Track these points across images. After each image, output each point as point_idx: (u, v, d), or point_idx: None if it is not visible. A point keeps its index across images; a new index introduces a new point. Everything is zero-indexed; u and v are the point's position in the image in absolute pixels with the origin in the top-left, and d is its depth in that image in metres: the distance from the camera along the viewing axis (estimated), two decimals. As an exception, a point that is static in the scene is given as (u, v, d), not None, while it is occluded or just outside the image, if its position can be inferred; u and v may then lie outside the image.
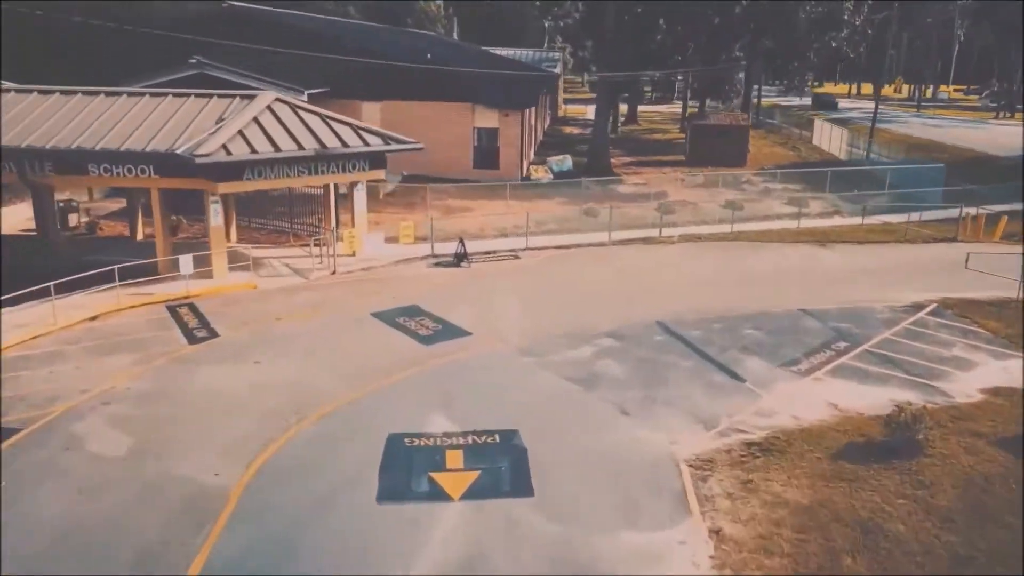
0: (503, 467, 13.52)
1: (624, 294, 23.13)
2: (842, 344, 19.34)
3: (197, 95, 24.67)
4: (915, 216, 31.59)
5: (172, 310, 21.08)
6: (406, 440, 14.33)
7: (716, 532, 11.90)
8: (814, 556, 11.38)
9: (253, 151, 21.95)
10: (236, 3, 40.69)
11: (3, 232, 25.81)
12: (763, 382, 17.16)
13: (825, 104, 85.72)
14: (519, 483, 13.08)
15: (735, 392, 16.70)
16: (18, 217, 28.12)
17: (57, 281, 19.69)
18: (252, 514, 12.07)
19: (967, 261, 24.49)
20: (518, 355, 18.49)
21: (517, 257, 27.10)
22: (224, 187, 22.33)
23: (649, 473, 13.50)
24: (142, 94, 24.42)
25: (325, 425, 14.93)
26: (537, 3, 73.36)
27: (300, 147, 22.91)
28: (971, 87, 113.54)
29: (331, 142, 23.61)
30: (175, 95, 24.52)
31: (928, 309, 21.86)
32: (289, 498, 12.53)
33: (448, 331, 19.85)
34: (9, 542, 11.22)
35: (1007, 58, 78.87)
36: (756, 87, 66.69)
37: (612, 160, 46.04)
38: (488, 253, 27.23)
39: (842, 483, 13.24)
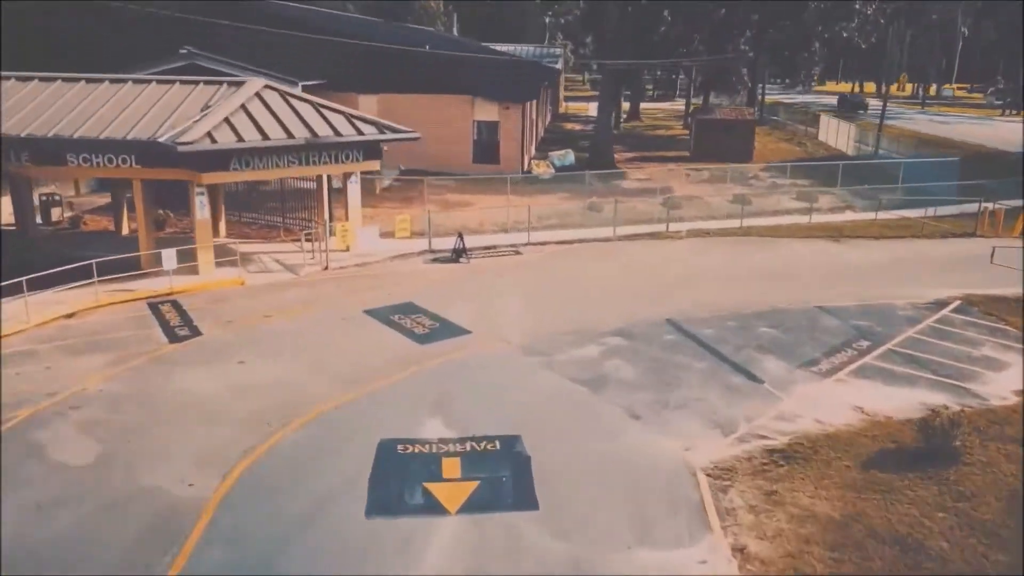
0: (504, 477, 12.38)
1: (631, 291, 21.99)
2: (864, 343, 18.21)
3: (183, 82, 23.53)
4: (930, 211, 30.48)
5: (154, 307, 19.94)
6: (399, 447, 13.18)
7: (740, 550, 10.76)
8: (851, 578, 10.25)
9: (240, 139, 20.79)
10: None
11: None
12: (782, 383, 16.03)
13: (853, 105, 77.13)
14: (522, 495, 11.93)
15: (753, 394, 15.57)
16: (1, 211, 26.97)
17: (30, 276, 18.54)
18: (227, 531, 10.92)
19: (992, 255, 23.36)
20: (520, 354, 17.35)
21: (518, 252, 25.97)
22: (209, 178, 21.17)
23: (664, 483, 12.36)
24: (125, 80, 23.26)
25: (311, 431, 13.78)
26: (537, 1, 72.38)
27: (290, 136, 21.76)
28: (974, 85, 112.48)
29: (323, 131, 22.46)
30: (159, 82, 23.38)
31: (952, 306, 20.72)
32: (269, 512, 11.38)
33: (446, 329, 18.71)
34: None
35: (1011, 56, 77.83)
36: (760, 85, 65.55)
37: (615, 156, 44.92)
38: (488, 248, 26.09)
39: (875, 494, 12.10)
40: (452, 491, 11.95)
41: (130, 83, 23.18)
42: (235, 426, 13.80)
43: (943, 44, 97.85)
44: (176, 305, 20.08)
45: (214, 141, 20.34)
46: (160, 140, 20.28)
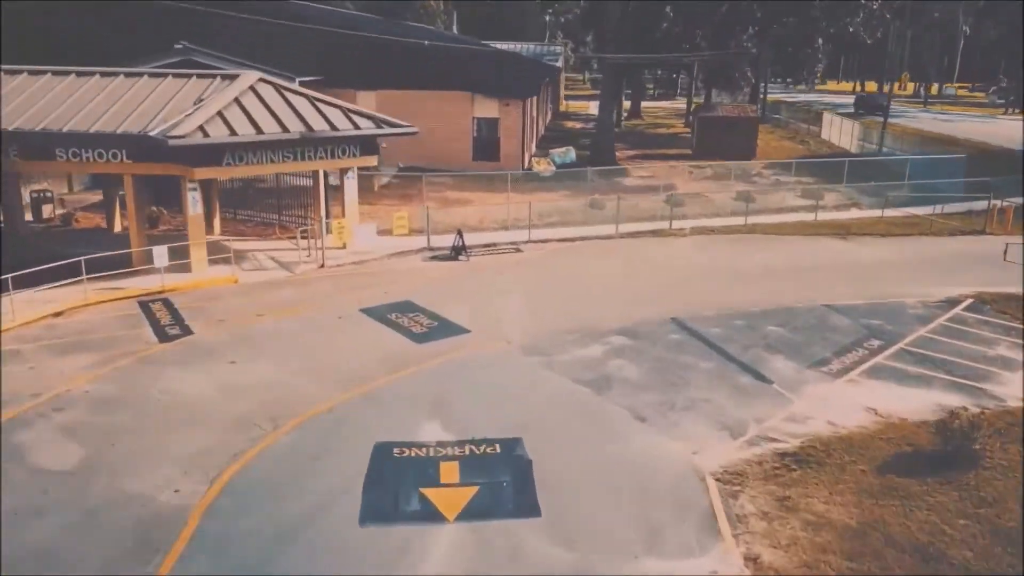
0: (505, 482, 11.84)
1: (635, 289, 21.45)
2: (875, 342, 17.67)
3: (175, 75, 22.96)
4: (938, 208, 29.94)
5: (144, 306, 19.38)
6: (395, 450, 12.64)
7: (753, 560, 10.22)
8: (871, 590, 9.71)
9: (233, 133, 20.23)
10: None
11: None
12: (792, 384, 15.49)
13: (873, 106, 68.10)
14: (523, 501, 11.39)
15: (762, 395, 15.03)
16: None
17: (15, 274, 17.99)
18: (213, 540, 10.37)
19: (1005, 253, 22.82)
20: (521, 354, 16.80)
21: (519, 250, 25.42)
22: (201, 172, 20.58)
23: (671, 488, 11.82)
24: (116, 73, 22.67)
25: (303, 434, 13.24)
26: (537, 0, 71.87)
27: (285, 130, 21.19)
28: (976, 84, 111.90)
29: (319, 125, 21.90)
30: (151, 75, 22.81)
31: (964, 304, 20.18)
32: (258, 520, 10.83)
33: (444, 328, 18.17)
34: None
35: (1011, 56, 77.28)
36: (762, 82, 64.97)
37: (616, 154, 44.35)
38: (488, 246, 25.53)
39: (893, 500, 11.56)
40: (450, 497, 11.41)
41: (121, 76, 22.61)
42: (224, 429, 13.26)
43: (944, 43, 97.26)
44: (167, 303, 19.54)
45: (206, 135, 19.79)
46: (151, 134, 19.73)
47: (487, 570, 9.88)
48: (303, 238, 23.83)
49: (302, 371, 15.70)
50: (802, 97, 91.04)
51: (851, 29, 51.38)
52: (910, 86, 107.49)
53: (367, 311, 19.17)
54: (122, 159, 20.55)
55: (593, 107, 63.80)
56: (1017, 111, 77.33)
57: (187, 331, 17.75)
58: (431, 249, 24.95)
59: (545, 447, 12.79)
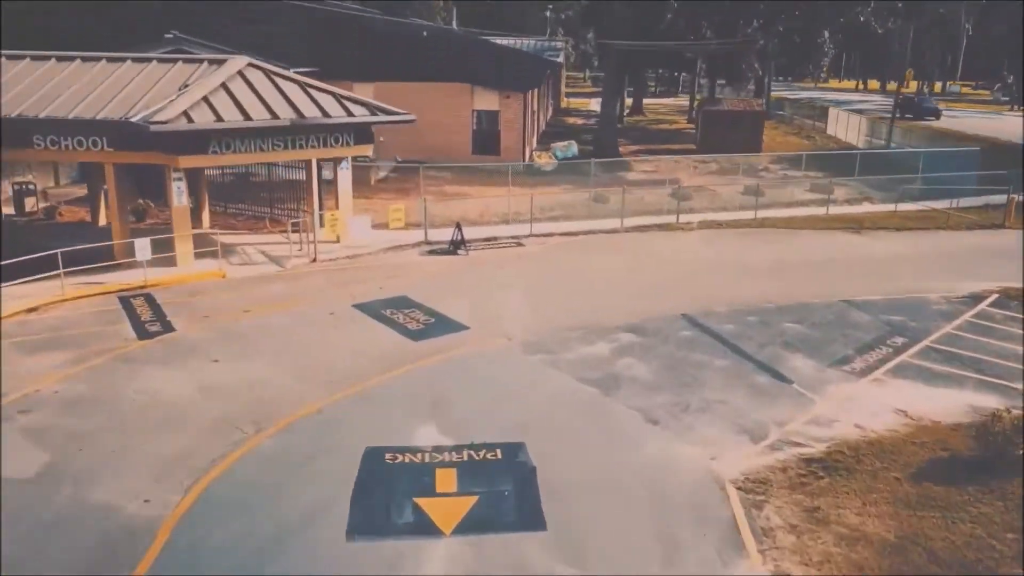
0: (507, 491, 10.81)
1: (642, 284, 20.44)
2: (899, 340, 16.66)
3: (160, 60, 21.94)
4: (954, 202, 28.94)
5: (125, 301, 18.36)
6: (387, 456, 11.62)
7: (783, 579, 9.21)
8: (917, 614, 8.70)
9: (219, 119, 19.21)
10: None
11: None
12: (814, 384, 14.48)
13: (923, 111, 61.82)
14: (527, 512, 10.38)
15: (782, 396, 14.02)
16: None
17: (-13, 267, 17.01)
18: (184, 556, 9.36)
19: (1030, 246, 21.85)
20: (523, 352, 15.79)
21: (520, 244, 24.39)
22: (186, 161, 19.56)
23: (688, 498, 10.81)
24: (98, 58, 21.63)
25: (288, 437, 12.21)
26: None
27: (275, 116, 20.17)
28: (979, 83, 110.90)
29: (310, 112, 20.88)
30: (135, 60, 21.76)
31: (990, 300, 19.17)
32: (235, 533, 9.81)
33: (441, 325, 17.15)
34: None
35: (1012, 55, 76.30)
36: (767, 77, 63.94)
37: (619, 149, 43.33)
38: (488, 240, 24.51)
39: (933, 512, 10.54)
40: (447, 508, 10.39)
41: (104, 61, 21.57)
42: (203, 432, 12.24)
43: (947, 41, 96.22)
44: (149, 299, 18.52)
45: (191, 121, 18.76)
46: (132, 120, 18.71)
47: (487, 591, 8.88)
48: (294, 231, 22.81)
49: (290, 370, 14.68)
50: (805, 94, 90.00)
51: (862, 18, 50.28)
52: (913, 84, 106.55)
53: (360, 307, 18.16)
54: (103, 147, 19.53)
55: (594, 104, 62.76)
56: (1022, 108, 76.32)
57: (168, 328, 16.73)
58: (429, 243, 23.94)
59: (550, 452, 11.78)
